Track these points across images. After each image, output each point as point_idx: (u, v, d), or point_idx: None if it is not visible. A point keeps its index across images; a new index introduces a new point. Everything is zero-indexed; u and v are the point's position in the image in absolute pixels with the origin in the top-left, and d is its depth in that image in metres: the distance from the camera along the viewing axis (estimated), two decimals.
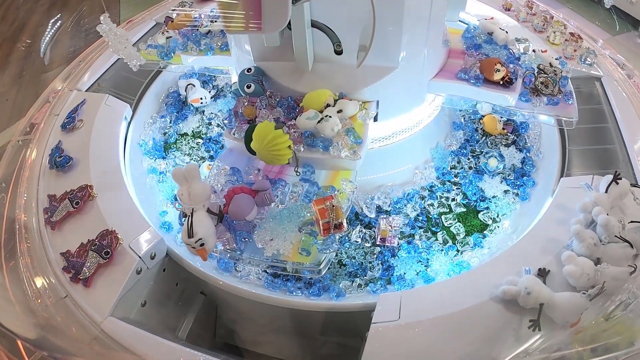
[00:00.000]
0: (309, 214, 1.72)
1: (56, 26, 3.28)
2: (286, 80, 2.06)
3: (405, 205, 2.25)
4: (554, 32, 2.78)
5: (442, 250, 2.11)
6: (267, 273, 1.98)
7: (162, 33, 2.60)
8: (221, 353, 1.71)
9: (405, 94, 2.12)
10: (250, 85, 2.03)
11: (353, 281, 2.01)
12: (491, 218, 2.21)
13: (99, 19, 2.18)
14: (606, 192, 1.81)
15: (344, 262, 2.09)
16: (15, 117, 4.16)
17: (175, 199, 2.35)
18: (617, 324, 1.49)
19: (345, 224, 1.63)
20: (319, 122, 1.83)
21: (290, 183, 1.86)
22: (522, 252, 1.80)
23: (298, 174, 1.85)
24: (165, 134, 2.75)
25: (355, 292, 1.97)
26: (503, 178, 2.36)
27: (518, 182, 2.32)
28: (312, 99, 1.94)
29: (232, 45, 2.30)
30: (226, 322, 2.32)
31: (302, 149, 1.85)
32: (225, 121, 2.13)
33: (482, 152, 2.48)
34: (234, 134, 1.98)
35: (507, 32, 2.30)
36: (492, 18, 2.54)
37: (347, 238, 2.14)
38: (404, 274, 2.03)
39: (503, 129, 2.52)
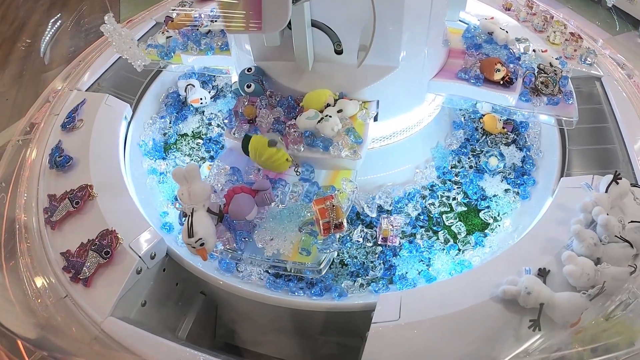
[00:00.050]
0: (309, 214, 1.72)
1: (56, 26, 3.28)
2: (286, 79, 2.06)
3: (407, 205, 2.26)
4: (554, 32, 2.78)
5: (443, 249, 2.11)
6: (269, 273, 1.98)
7: (162, 33, 2.60)
8: (221, 353, 1.71)
9: (406, 93, 2.12)
10: (251, 85, 2.03)
11: (355, 281, 2.01)
12: (492, 217, 2.21)
13: (103, 18, 2.18)
14: (606, 192, 1.81)
15: (345, 262, 2.09)
16: (15, 116, 4.16)
17: (176, 199, 2.35)
18: (617, 324, 1.49)
19: (345, 224, 1.63)
20: (319, 121, 1.83)
21: (291, 183, 1.86)
22: (522, 252, 1.80)
23: (298, 173, 1.85)
24: (165, 134, 2.75)
25: (357, 291, 1.98)
26: (503, 177, 2.37)
27: (518, 181, 2.33)
28: (312, 99, 1.94)
29: (232, 45, 2.30)
30: (226, 322, 2.32)
31: (302, 149, 1.85)
32: (226, 121, 2.13)
33: (483, 151, 2.49)
34: (234, 134, 1.98)
35: (507, 31, 2.30)
36: (492, 18, 2.54)
37: (348, 238, 2.14)
38: (406, 273, 2.03)
39: (503, 127, 2.53)
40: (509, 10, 3.08)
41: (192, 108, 2.86)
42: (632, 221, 1.71)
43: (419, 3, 1.88)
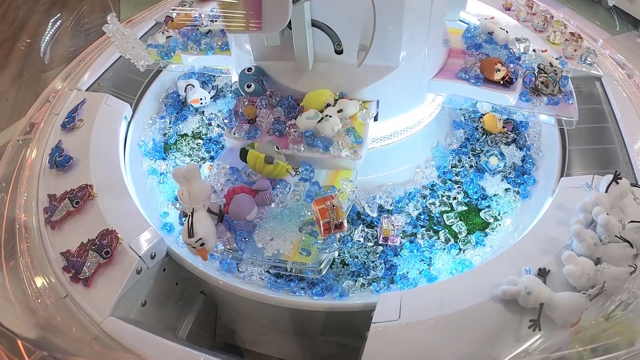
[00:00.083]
0: (309, 214, 1.72)
1: (56, 26, 3.27)
2: (286, 79, 2.06)
3: (407, 205, 2.26)
4: (554, 32, 2.78)
5: (444, 248, 2.11)
6: (270, 273, 1.98)
7: (162, 32, 2.60)
8: (221, 353, 1.71)
9: (406, 93, 2.12)
10: (251, 85, 2.03)
11: (356, 281, 2.01)
12: (492, 216, 2.22)
13: (103, 18, 2.19)
14: (606, 191, 1.81)
15: (346, 262, 2.09)
16: (15, 116, 4.16)
17: (176, 199, 2.35)
18: (617, 324, 1.49)
19: (345, 224, 1.62)
20: (319, 121, 1.83)
21: (291, 183, 1.86)
22: (522, 252, 1.80)
23: (297, 173, 1.85)
24: (165, 134, 2.75)
25: (358, 291, 1.98)
26: (504, 176, 2.37)
27: (519, 180, 2.33)
28: (312, 99, 1.94)
29: (233, 45, 2.30)
30: (226, 321, 2.32)
31: (302, 149, 1.85)
32: (226, 121, 2.13)
33: (483, 150, 2.49)
34: (234, 134, 1.98)
35: (507, 31, 2.30)
36: (492, 18, 2.54)
37: (349, 237, 2.14)
38: (407, 273, 2.03)
39: (503, 127, 2.53)
40: (509, 10, 3.08)
41: (192, 108, 2.86)
42: (632, 221, 1.71)
43: (419, 3, 1.88)
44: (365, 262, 2.07)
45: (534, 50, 2.38)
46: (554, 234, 1.82)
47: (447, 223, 2.20)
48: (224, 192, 1.76)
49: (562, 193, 2.01)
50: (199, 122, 2.81)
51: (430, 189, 2.34)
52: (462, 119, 2.64)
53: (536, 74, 2.14)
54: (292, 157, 1.86)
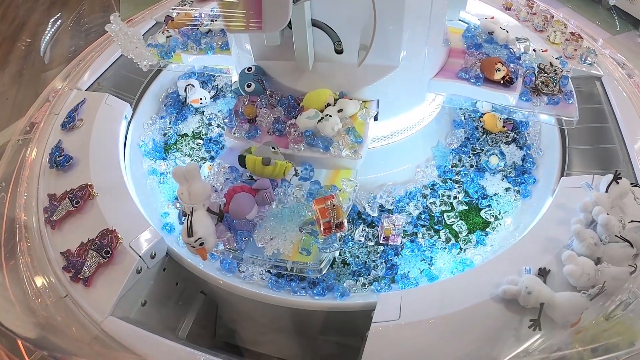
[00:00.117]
0: (309, 213, 1.72)
1: (56, 25, 3.27)
2: (287, 79, 2.06)
3: (408, 204, 2.26)
4: (555, 32, 2.78)
5: (445, 248, 2.11)
6: (271, 273, 1.98)
7: (162, 32, 2.60)
8: (221, 352, 1.71)
9: (406, 93, 2.12)
10: (251, 84, 2.03)
11: (357, 280, 2.01)
12: (493, 215, 2.22)
13: (103, 18, 2.19)
14: (606, 191, 1.81)
15: (347, 262, 2.09)
16: (15, 116, 4.15)
17: (176, 199, 2.35)
18: (617, 323, 1.49)
19: (346, 224, 1.62)
20: (319, 121, 1.83)
21: (293, 183, 1.85)
22: (523, 252, 1.80)
23: (297, 174, 1.85)
24: (165, 134, 2.75)
25: (359, 291, 1.98)
26: (504, 176, 2.37)
27: (519, 180, 2.33)
28: (312, 98, 1.94)
29: (233, 45, 2.30)
30: (226, 321, 2.32)
31: (303, 149, 1.85)
32: (226, 120, 2.13)
33: (483, 150, 2.49)
34: (234, 133, 1.98)
35: (507, 31, 2.30)
36: (492, 17, 2.54)
37: (350, 237, 2.14)
38: (408, 272, 2.03)
39: (503, 126, 2.53)
40: (509, 9, 3.07)
41: (192, 108, 2.86)
42: (632, 221, 1.71)
43: (419, 3, 1.88)
44: (366, 262, 2.07)
45: (534, 50, 2.38)
46: (554, 234, 1.82)
47: (448, 222, 2.20)
48: (224, 191, 1.76)
49: (562, 193, 2.01)
50: (199, 122, 2.80)
51: (430, 189, 2.34)
52: (462, 118, 2.64)
53: (536, 74, 2.14)
54: (292, 157, 1.86)
